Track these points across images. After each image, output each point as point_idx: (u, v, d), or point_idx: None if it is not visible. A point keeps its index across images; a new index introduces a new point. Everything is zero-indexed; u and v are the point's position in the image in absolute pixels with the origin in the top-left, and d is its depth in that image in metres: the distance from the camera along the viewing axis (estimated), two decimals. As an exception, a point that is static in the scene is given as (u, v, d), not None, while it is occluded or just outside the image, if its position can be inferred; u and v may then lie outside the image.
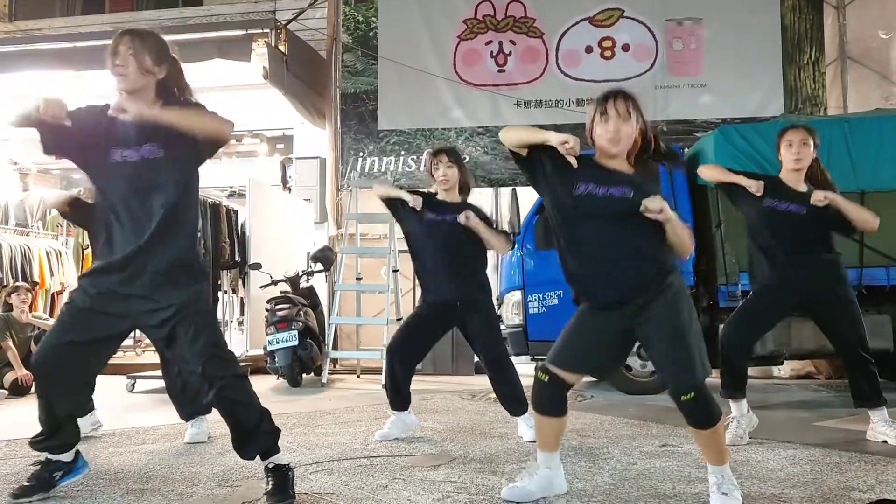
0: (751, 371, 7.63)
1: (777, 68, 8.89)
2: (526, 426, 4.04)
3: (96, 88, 9.23)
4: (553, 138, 2.63)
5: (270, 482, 2.79)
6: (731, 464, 2.78)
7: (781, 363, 6.83)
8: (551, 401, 2.87)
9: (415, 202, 3.98)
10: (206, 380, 2.72)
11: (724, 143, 5.97)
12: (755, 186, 3.86)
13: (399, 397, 4.22)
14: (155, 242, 2.71)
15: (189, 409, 4.27)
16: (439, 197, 4.12)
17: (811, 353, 6.30)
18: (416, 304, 4.50)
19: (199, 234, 5.61)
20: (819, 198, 3.77)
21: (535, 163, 2.75)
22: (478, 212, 4.01)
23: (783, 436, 4.13)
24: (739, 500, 2.67)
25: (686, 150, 6.83)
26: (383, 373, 5.35)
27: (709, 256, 6.07)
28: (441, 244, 4.00)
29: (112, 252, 2.76)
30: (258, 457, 2.87)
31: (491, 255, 8.06)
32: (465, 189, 4.15)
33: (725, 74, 8.88)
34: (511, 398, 4.09)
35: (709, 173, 4.17)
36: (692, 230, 6.10)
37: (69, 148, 2.83)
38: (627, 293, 2.69)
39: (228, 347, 2.98)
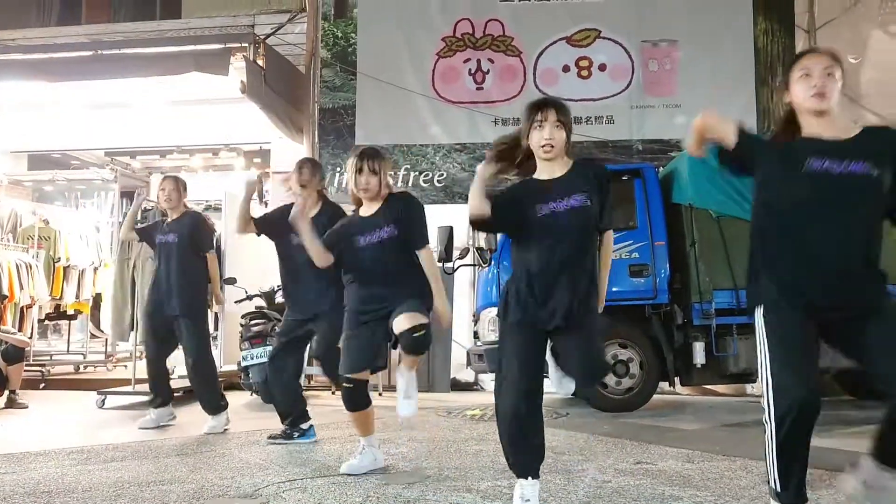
0: (724, 389, 7.77)
1: (750, 90, 9.04)
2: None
3: (71, 100, 9.20)
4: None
5: None
6: (701, 481, 2.79)
7: (754, 381, 6.89)
8: None
9: None
10: None
11: (699, 163, 6.02)
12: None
13: None
14: None
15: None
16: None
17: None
18: None
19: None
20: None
21: None
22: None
23: (755, 453, 4.14)
24: None
25: (661, 169, 6.90)
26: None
27: (683, 275, 6.12)
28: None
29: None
30: None
31: (468, 271, 8.04)
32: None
33: (700, 95, 9.00)
34: None
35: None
36: (667, 249, 6.21)
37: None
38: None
39: None
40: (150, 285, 5.55)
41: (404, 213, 3.72)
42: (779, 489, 2.47)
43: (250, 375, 6.76)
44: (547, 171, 2.96)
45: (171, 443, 4.76)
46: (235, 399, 6.64)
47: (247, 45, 8.46)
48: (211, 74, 8.08)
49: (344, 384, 3.71)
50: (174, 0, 10.81)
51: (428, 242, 3.82)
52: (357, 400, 3.75)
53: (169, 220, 5.46)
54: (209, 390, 5.37)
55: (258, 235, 4.82)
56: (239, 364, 6.94)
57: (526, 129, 2.94)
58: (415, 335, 3.48)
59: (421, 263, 3.71)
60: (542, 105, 2.93)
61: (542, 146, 2.89)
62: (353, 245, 3.70)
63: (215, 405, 5.31)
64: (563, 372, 3.02)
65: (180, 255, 5.30)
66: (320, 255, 3.68)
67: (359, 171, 3.68)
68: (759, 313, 2.58)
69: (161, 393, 5.50)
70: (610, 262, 3.12)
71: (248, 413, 6.27)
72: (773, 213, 2.59)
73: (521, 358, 2.87)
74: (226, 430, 5.21)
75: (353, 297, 3.77)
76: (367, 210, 3.76)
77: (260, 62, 8.59)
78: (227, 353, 7.57)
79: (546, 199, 2.90)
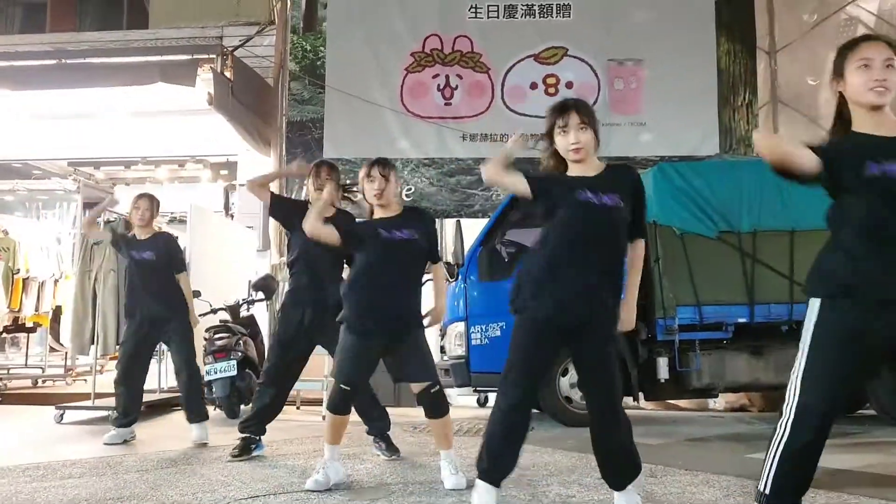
0: (687, 404, 7.86)
1: (713, 109, 9.23)
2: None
3: (34, 109, 9.06)
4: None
5: None
6: (664, 496, 2.81)
7: (716, 396, 6.99)
8: None
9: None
10: None
11: (663, 181, 6.15)
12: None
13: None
14: None
15: None
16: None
17: (745, 387, 6.47)
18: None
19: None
20: None
21: None
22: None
23: (717, 468, 4.20)
24: None
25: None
26: (324, 404, 5.26)
27: (647, 291, 6.19)
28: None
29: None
30: None
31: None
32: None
33: (664, 114, 9.17)
34: None
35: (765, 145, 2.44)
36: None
37: None
38: None
39: None
40: (125, 305, 5.51)
41: (424, 225, 3.80)
42: (767, 492, 2.34)
43: (214, 390, 6.68)
44: (580, 172, 2.93)
45: (132, 459, 4.67)
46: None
47: (214, 56, 8.44)
48: (177, 85, 8.02)
49: (342, 385, 3.69)
50: (141, 10, 10.75)
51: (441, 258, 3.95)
52: (346, 405, 3.76)
53: (139, 237, 5.43)
54: (198, 398, 5.46)
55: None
56: (202, 378, 6.84)
57: (549, 135, 2.95)
58: (433, 391, 3.69)
59: (434, 276, 3.91)
60: (563, 108, 2.92)
61: (570, 150, 2.88)
62: (376, 236, 3.68)
63: (202, 413, 5.38)
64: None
65: (161, 272, 5.36)
66: (324, 232, 3.69)
67: (369, 177, 3.69)
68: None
69: (135, 410, 5.47)
70: (640, 271, 3.07)
71: (211, 428, 6.17)
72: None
73: (527, 354, 2.87)
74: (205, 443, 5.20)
75: (357, 303, 3.72)
76: (384, 215, 3.80)
77: (227, 74, 8.56)
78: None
79: (584, 188, 2.85)
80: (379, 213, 3.79)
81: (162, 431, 5.67)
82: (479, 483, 2.91)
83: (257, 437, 4.66)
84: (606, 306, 2.90)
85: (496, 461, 2.90)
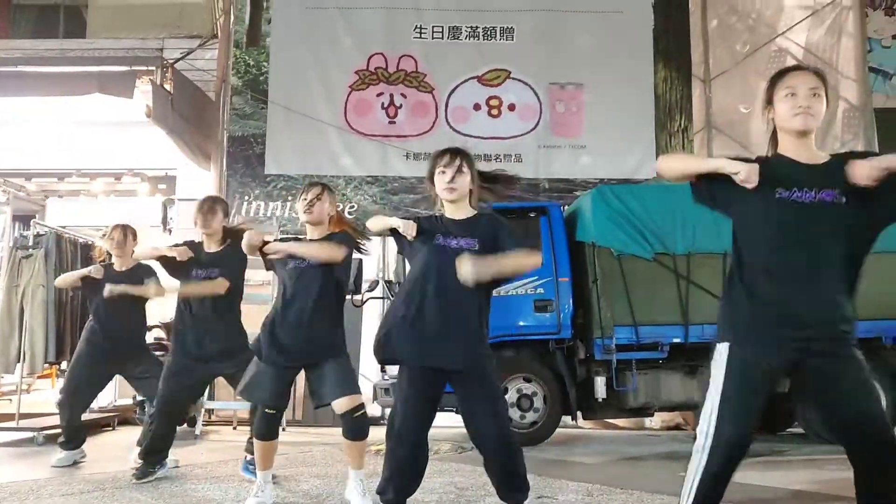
0: (624, 422, 7.98)
1: (650, 134, 9.47)
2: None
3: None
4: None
5: None
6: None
7: (652, 415, 7.12)
8: None
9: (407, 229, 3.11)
10: None
11: (601, 203, 6.26)
12: (745, 172, 2.37)
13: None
14: None
15: None
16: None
17: (679, 405, 6.60)
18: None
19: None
20: (865, 172, 2.28)
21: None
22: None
23: (652, 486, 4.27)
24: None
25: (566, 207, 7.11)
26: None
27: (586, 310, 6.29)
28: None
29: None
30: None
31: (377, 304, 8.00)
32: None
33: (604, 137, 9.37)
34: None
35: (666, 166, 2.61)
36: (570, 285, 6.34)
37: None
38: None
39: None
40: (92, 329, 5.24)
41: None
42: None
43: (146, 409, 6.49)
44: (451, 213, 3.12)
45: (55, 483, 4.49)
46: (130, 435, 6.35)
47: (154, 68, 8.28)
48: (115, 97, 7.84)
49: (267, 410, 3.62)
50: (79, 19, 10.48)
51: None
52: (274, 429, 3.70)
53: (118, 269, 5.24)
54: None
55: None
56: (134, 398, 6.67)
57: (430, 179, 3.12)
58: (356, 414, 3.61)
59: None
60: (444, 152, 3.07)
61: (445, 189, 3.04)
62: (284, 264, 3.68)
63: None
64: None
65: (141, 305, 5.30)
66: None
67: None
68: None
69: (80, 434, 5.30)
70: (518, 263, 3.08)
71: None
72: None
73: (414, 392, 2.98)
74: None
75: (269, 333, 3.65)
76: (314, 236, 3.77)
77: (167, 87, 8.41)
78: (122, 387, 7.25)
79: (442, 235, 3.04)
80: (310, 233, 3.79)
81: (105, 453, 5.48)
82: None
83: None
84: (474, 351, 2.99)
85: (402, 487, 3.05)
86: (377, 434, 3.83)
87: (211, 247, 4.52)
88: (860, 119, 10.04)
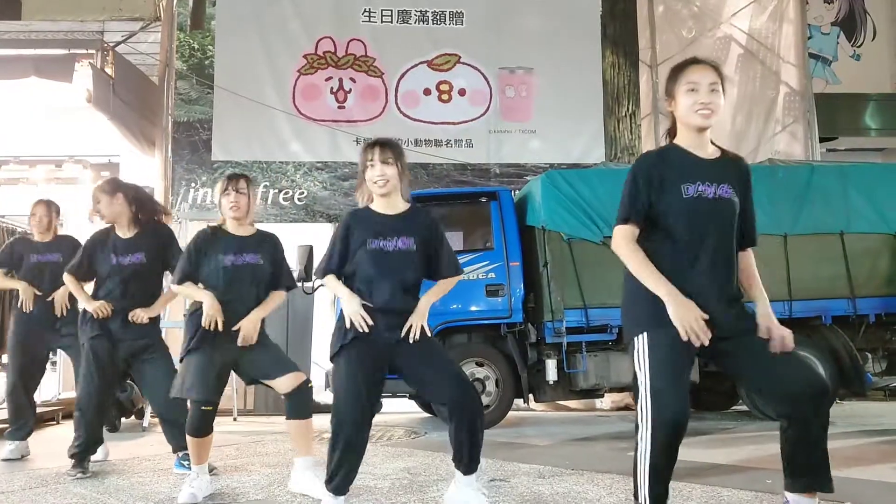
0: (575, 404, 8.09)
1: (599, 119, 9.56)
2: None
3: None
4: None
5: None
6: (551, 496, 2.89)
7: (602, 396, 7.23)
8: None
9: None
10: None
11: (551, 187, 6.31)
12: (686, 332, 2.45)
13: None
14: None
15: None
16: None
17: (629, 386, 6.71)
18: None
19: (4, 271, 5.19)
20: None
21: None
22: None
23: (602, 466, 4.35)
24: None
25: (516, 192, 7.15)
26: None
27: (536, 294, 6.35)
28: None
29: None
30: None
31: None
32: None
33: (553, 122, 9.44)
34: None
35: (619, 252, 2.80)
36: (521, 269, 6.40)
37: None
38: None
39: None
40: (22, 307, 5.12)
41: (274, 250, 3.91)
42: (647, 501, 2.49)
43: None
44: (383, 208, 3.14)
45: (-2, 479, 4.37)
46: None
47: (94, 51, 8.01)
48: (53, 81, 7.59)
49: (203, 407, 3.57)
50: (13, 1, 10.08)
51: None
52: (209, 425, 3.64)
53: (38, 240, 5.18)
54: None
55: None
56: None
57: (362, 172, 3.15)
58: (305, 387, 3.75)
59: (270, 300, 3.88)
60: (371, 145, 3.11)
61: (376, 182, 3.06)
62: (219, 260, 3.69)
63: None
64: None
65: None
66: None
67: (225, 192, 3.73)
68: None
69: (29, 423, 5.18)
70: (444, 292, 3.30)
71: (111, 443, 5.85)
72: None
73: (358, 372, 3.06)
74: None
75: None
76: (238, 232, 3.78)
77: (108, 70, 8.15)
78: (67, 380, 7.07)
79: (378, 236, 3.08)
80: (232, 229, 3.78)
81: (50, 448, 5.33)
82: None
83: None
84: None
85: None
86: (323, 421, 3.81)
87: (125, 232, 4.45)
88: (800, 103, 10.32)
